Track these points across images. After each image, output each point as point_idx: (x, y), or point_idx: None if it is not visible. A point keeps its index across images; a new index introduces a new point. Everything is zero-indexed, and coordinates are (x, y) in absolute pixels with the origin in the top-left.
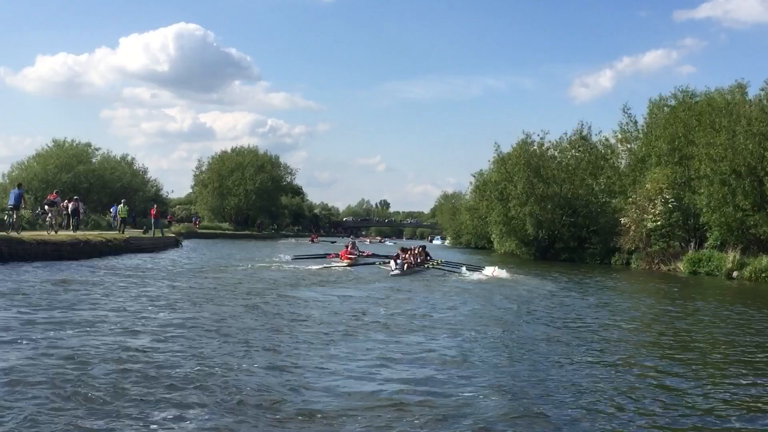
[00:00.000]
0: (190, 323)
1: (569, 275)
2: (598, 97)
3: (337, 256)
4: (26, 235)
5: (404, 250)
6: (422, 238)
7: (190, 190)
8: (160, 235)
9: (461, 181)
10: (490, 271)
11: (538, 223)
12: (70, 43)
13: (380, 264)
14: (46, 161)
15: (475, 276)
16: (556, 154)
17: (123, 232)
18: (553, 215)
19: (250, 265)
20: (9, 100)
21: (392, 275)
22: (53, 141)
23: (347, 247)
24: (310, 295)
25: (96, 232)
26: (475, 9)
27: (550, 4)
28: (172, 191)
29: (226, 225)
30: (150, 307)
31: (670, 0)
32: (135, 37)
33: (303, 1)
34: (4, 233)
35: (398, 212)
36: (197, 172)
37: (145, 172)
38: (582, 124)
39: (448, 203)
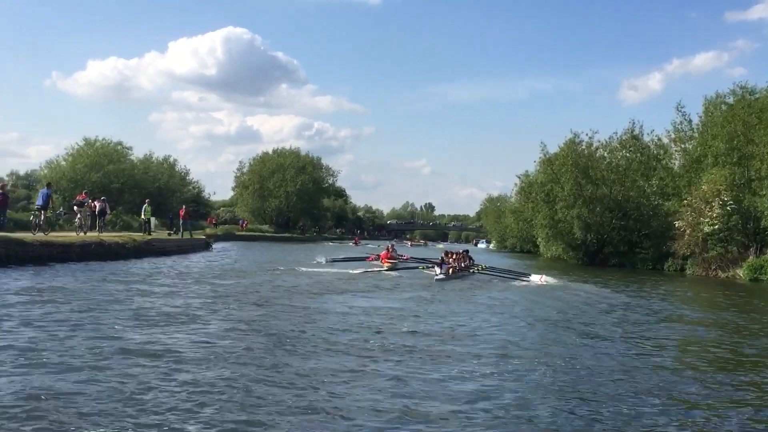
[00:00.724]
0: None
1: (623, 282)
2: (648, 99)
3: (377, 258)
4: (51, 236)
5: (448, 254)
6: (467, 241)
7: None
8: (189, 236)
9: (507, 185)
10: (538, 278)
11: (586, 226)
12: (121, 47)
13: (424, 268)
14: (76, 160)
15: (522, 283)
16: (605, 154)
17: (149, 234)
18: (602, 218)
19: (279, 269)
20: (60, 104)
21: (437, 280)
22: (84, 139)
23: (387, 249)
24: (334, 304)
25: (118, 234)
26: (522, 10)
27: (599, 6)
28: (214, 193)
29: (266, 227)
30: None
31: (722, 1)
32: (183, 42)
33: (349, 4)
34: (30, 234)
35: (443, 215)
36: (238, 174)
37: (187, 173)
38: (633, 123)
39: (493, 206)
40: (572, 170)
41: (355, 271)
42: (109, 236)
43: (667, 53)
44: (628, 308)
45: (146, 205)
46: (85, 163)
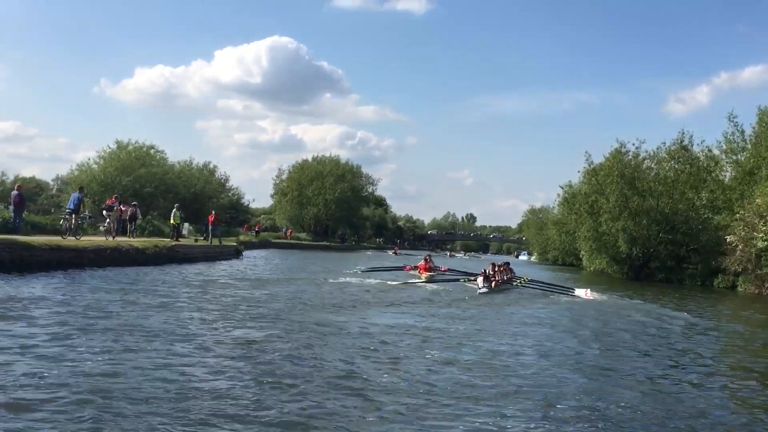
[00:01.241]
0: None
1: (674, 299)
2: (695, 113)
3: (414, 268)
4: (80, 240)
5: (494, 265)
6: (508, 253)
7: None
8: (218, 243)
9: (550, 196)
10: (583, 293)
11: (632, 239)
12: (168, 55)
13: (466, 281)
14: (107, 164)
15: (568, 298)
16: (652, 165)
17: (177, 240)
18: (648, 231)
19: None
20: (108, 111)
21: (480, 293)
22: (116, 142)
23: (425, 260)
24: (360, 321)
25: (146, 239)
26: (567, 22)
27: (644, 18)
28: (254, 200)
29: (303, 235)
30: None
31: None
32: (229, 50)
33: (394, 15)
34: (60, 237)
35: (485, 226)
36: (277, 181)
37: (226, 180)
38: (683, 133)
39: (535, 217)
40: (618, 181)
41: (393, 283)
42: (137, 241)
43: (715, 66)
44: (691, 331)
45: (175, 210)
46: (116, 166)
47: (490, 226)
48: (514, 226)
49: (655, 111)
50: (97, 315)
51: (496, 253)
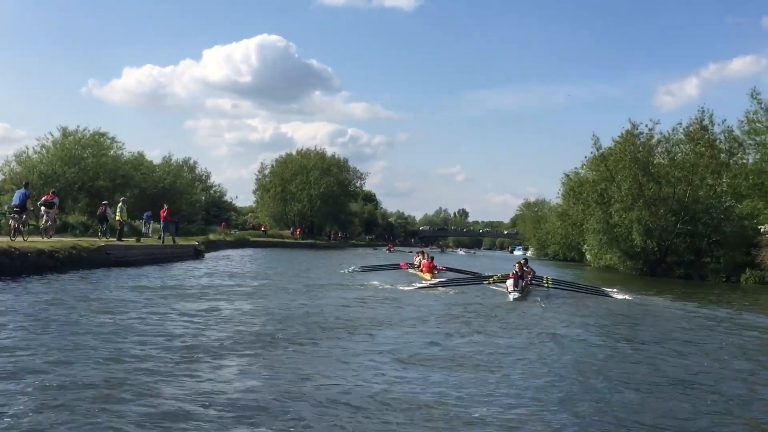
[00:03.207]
0: None
1: (712, 299)
2: (684, 105)
3: (411, 266)
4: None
5: (521, 264)
6: (502, 248)
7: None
8: (171, 242)
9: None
10: (618, 294)
11: (648, 231)
12: (156, 55)
13: (491, 282)
14: (52, 153)
15: (608, 301)
16: (669, 147)
17: (121, 239)
18: (665, 222)
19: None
20: (96, 112)
21: (514, 299)
22: (60, 128)
23: (425, 256)
24: (355, 347)
25: (75, 239)
26: (556, 16)
27: (634, 12)
28: (236, 197)
29: (287, 233)
30: None
31: (759, 5)
32: (218, 49)
33: (383, 11)
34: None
35: (477, 222)
36: (259, 176)
37: (207, 176)
38: (703, 111)
39: (531, 211)
40: (631, 166)
41: (405, 288)
42: (47, 242)
43: (703, 58)
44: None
45: (121, 204)
46: (59, 155)
47: (483, 222)
48: (506, 221)
49: (646, 103)
50: None
51: (489, 249)
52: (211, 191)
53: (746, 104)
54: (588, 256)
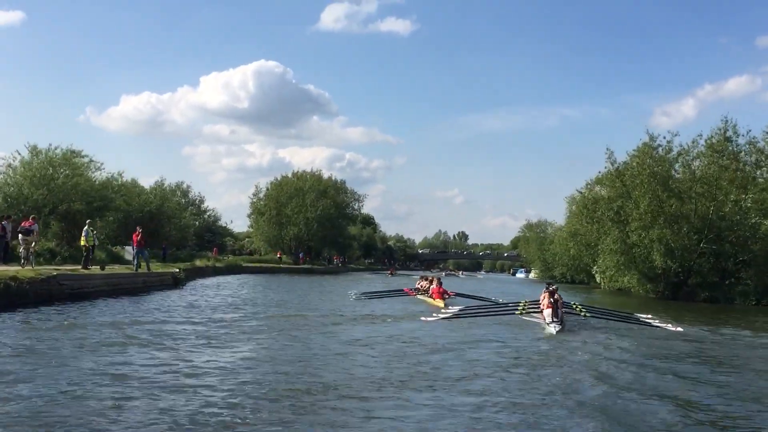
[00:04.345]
0: None
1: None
2: (681, 126)
3: (419, 292)
4: None
5: (551, 288)
6: (502, 270)
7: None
8: (145, 270)
9: (540, 213)
10: (667, 324)
11: (669, 251)
12: (154, 82)
13: (522, 313)
14: (19, 173)
15: (657, 333)
16: (690, 160)
17: (87, 267)
18: (688, 241)
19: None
20: (94, 139)
21: (556, 332)
22: (28, 146)
23: (433, 281)
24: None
25: (40, 268)
26: (550, 39)
27: (627, 33)
28: (231, 221)
29: (284, 258)
30: None
31: (753, 26)
32: (215, 76)
33: (379, 36)
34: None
35: (476, 244)
36: (254, 200)
37: (201, 201)
38: (726, 122)
39: (533, 233)
40: (649, 181)
41: (427, 319)
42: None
43: (699, 78)
44: None
45: (87, 227)
46: (26, 176)
47: (482, 244)
48: (505, 243)
49: (642, 125)
50: None
51: (489, 271)
52: (205, 216)
53: (744, 123)
54: (598, 278)
